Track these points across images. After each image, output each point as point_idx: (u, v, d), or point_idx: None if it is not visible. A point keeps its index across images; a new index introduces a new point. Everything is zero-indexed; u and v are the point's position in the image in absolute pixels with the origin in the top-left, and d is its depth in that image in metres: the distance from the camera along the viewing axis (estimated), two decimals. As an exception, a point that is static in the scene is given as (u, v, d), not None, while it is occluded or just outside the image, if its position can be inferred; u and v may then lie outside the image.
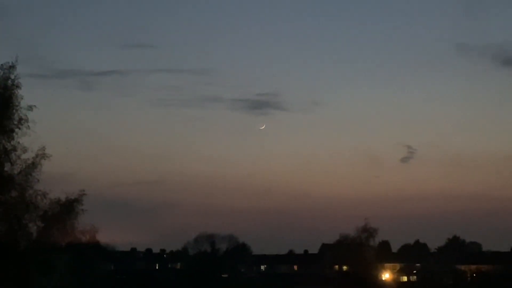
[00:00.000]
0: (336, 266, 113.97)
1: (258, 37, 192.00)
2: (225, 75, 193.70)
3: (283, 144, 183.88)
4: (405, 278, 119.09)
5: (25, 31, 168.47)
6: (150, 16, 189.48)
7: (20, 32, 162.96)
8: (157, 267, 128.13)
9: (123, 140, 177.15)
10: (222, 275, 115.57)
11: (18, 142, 32.23)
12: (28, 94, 33.11)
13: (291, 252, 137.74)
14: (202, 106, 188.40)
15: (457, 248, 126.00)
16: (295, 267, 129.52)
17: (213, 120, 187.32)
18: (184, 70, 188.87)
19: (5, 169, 32.28)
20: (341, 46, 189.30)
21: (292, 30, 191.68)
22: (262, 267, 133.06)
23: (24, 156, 32.46)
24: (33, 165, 32.51)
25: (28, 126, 32.34)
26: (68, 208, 34.84)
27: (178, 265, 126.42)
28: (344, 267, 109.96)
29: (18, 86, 32.25)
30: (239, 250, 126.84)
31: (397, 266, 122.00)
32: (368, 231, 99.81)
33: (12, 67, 32.17)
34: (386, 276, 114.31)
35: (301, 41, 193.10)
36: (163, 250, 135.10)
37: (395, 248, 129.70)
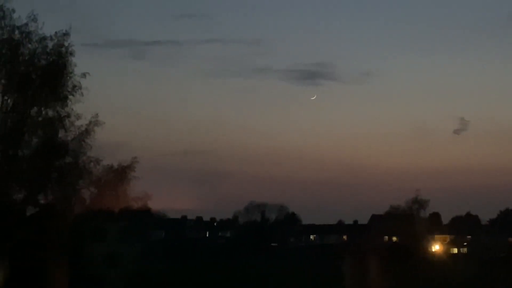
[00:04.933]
0: (386, 237, 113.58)
1: (310, 6, 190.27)
2: (277, 45, 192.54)
3: (335, 115, 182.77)
4: (455, 250, 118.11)
5: (79, 1, 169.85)
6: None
7: (74, 2, 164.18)
8: (207, 235, 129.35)
9: (174, 109, 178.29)
10: (271, 244, 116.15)
11: (72, 109, 32.52)
12: (81, 63, 33.35)
13: (340, 223, 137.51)
14: (253, 76, 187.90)
15: (509, 221, 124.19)
16: (345, 237, 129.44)
17: (264, 91, 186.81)
18: (236, 41, 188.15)
19: (60, 135, 32.68)
20: (394, 15, 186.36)
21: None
22: (312, 237, 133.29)
23: (77, 123, 32.77)
24: (86, 132, 32.80)
25: (82, 93, 32.57)
26: (121, 174, 35.23)
27: (228, 234, 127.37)
28: (394, 238, 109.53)
29: (71, 54, 32.46)
30: (289, 220, 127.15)
31: (447, 238, 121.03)
32: (418, 203, 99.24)
33: (66, 34, 32.35)
34: (436, 247, 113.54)
35: (354, 11, 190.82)
36: (213, 219, 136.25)
37: (446, 220, 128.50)
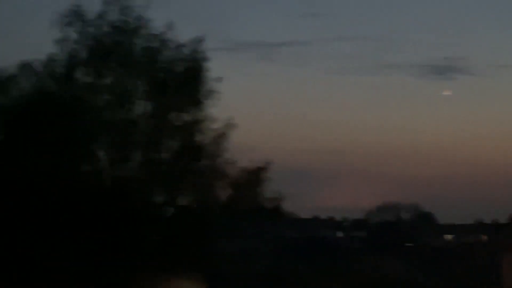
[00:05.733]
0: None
1: None
2: (405, 40, 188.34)
3: (469, 110, 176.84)
4: None
5: (206, 6, 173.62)
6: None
7: (202, 7, 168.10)
8: (340, 235, 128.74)
9: (304, 109, 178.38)
10: (406, 244, 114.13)
11: (208, 113, 33.35)
12: (213, 67, 34.10)
13: (479, 222, 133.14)
14: (382, 73, 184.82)
15: None
16: (484, 237, 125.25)
17: (394, 88, 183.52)
18: (362, 37, 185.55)
19: (197, 139, 33.58)
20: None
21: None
22: (448, 237, 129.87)
23: (213, 127, 33.54)
24: (222, 135, 33.54)
25: (216, 97, 33.33)
26: (255, 176, 35.80)
27: (361, 233, 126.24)
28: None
29: (206, 59, 33.30)
30: (424, 219, 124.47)
31: None
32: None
33: (201, 40, 33.24)
34: None
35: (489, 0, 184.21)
36: (345, 218, 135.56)
37: None
